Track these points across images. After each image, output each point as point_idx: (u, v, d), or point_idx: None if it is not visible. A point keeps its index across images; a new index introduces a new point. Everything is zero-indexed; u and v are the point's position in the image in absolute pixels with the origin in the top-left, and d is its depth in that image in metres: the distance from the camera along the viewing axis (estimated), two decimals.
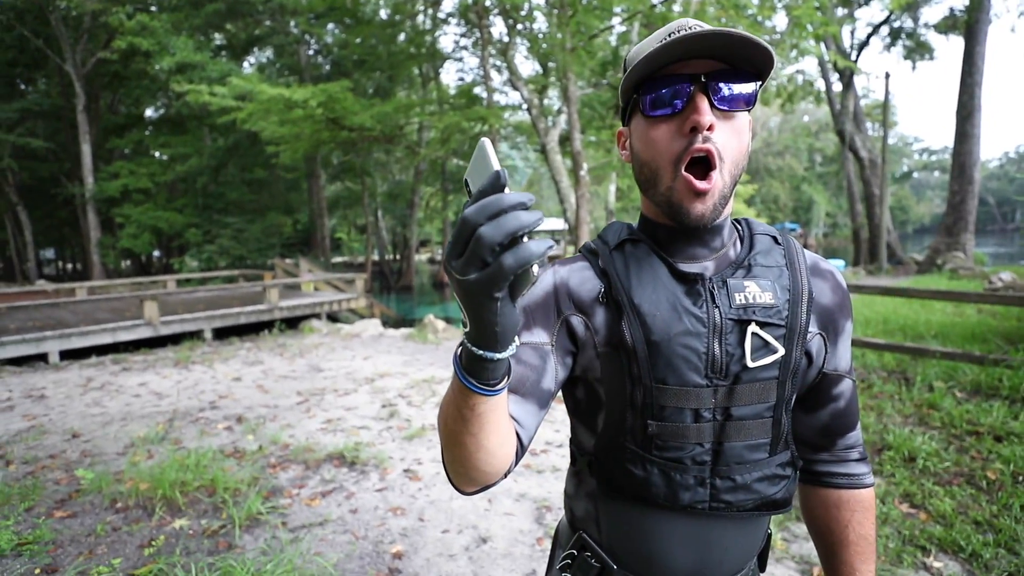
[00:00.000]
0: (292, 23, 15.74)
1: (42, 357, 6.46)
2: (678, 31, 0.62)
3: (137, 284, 12.47)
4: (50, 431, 3.93)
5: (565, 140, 11.90)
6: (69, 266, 28.30)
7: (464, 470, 0.59)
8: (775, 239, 0.72)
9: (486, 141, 0.46)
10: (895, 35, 17.38)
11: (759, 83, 0.62)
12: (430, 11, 15.06)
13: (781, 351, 0.65)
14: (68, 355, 6.73)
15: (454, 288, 0.45)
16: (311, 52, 18.34)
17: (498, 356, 0.49)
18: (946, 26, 15.60)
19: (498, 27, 13.29)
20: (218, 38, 17.64)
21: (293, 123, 8.98)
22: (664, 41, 0.60)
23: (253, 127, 9.32)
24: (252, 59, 20.15)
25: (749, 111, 0.64)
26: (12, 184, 17.00)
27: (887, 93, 14.77)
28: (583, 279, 0.71)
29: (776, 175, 38.24)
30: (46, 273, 25.50)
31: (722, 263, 0.69)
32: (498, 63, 14.87)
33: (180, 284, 13.01)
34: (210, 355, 6.77)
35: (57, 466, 3.26)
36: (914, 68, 18.80)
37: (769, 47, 0.58)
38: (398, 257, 25.67)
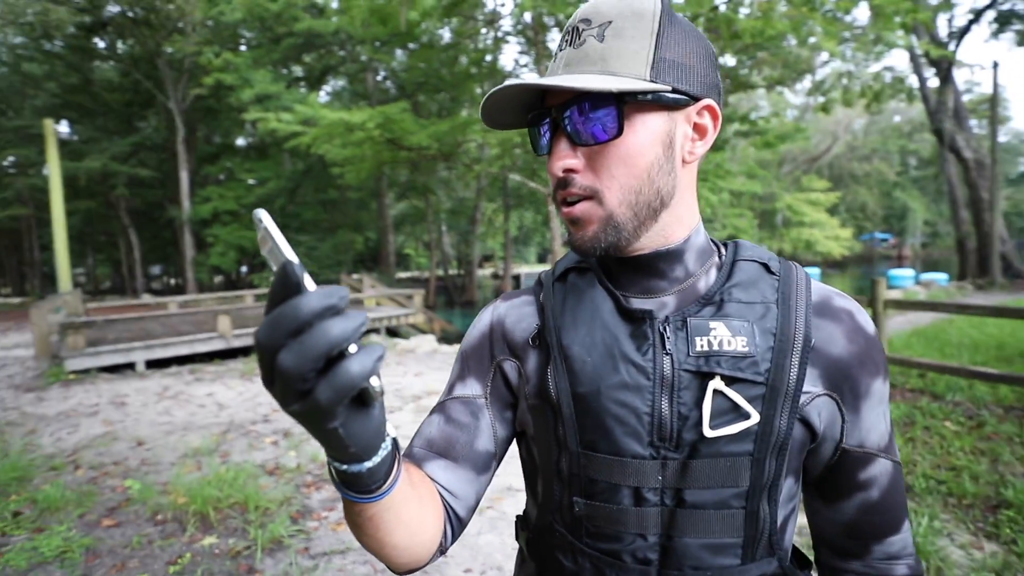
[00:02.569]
0: (360, 51, 16.63)
1: (131, 366, 7.07)
2: (569, 32, 0.52)
3: (222, 299, 13.50)
4: (120, 438, 4.21)
5: None
6: (172, 281, 31.43)
7: (382, 560, 0.52)
8: (767, 267, 0.55)
9: (262, 215, 0.33)
10: (1004, 19, 15.44)
11: (616, 107, 0.49)
12: (490, 32, 15.39)
13: (755, 417, 0.49)
14: (153, 364, 7.33)
15: None
16: (380, 77, 19.33)
17: (366, 466, 0.41)
18: None
19: (556, 42, 13.31)
20: (298, 71, 19.06)
21: (355, 145, 9.39)
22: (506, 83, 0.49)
23: (318, 150, 9.86)
24: (328, 87, 21.60)
25: (616, 139, 0.50)
26: (125, 209, 19.18)
27: (995, 85, 13.13)
28: (520, 317, 0.62)
29: (863, 181, 35.19)
30: (153, 287, 28.47)
31: (687, 297, 0.55)
32: None
33: (258, 299, 13.95)
34: None
35: (117, 473, 3.45)
36: None
37: (568, 85, 0.46)
38: (462, 272, 26.18)
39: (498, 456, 0.62)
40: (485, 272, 31.77)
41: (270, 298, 0.33)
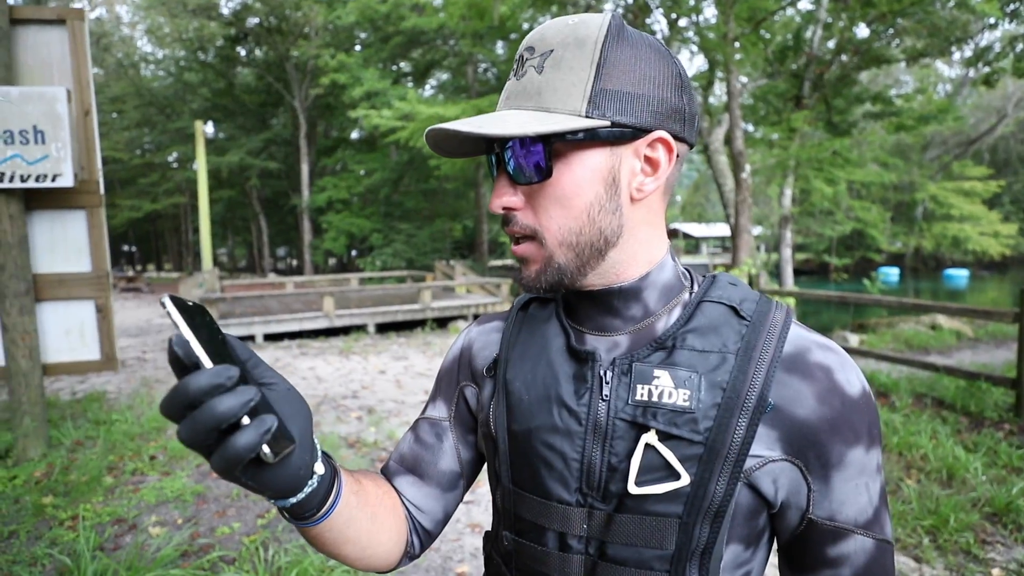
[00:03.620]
0: (461, 45, 17.15)
1: (251, 338, 8.06)
2: (516, 61, 0.50)
3: (332, 280, 14.87)
4: None
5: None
6: (294, 262, 35.17)
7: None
8: (736, 310, 0.49)
9: (166, 300, 0.37)
10: None
11: (544, 148, 0.47)
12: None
13: (685, 479, 0.46)
14: (269, 338, 8.29)
15: None
16: (480, 69, 19.84)
17: (291, 502, 0.44)
18: None
19: (660, 24, 12.67)
20: (404, 67, 20.19)
21: None
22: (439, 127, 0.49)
23: (416, 144, 10.39)
24: (433, 81, 22.63)
25: (545, 180, 0.48)
26: (256, 197, 21.78)
27: None
28: (486, 344, 0.63)
29: None
30: (279, 268, 32.12)
31: (642, 339, 0.52)
32: None
33: (363, 282, 15.13)
34: (369, 347, 7.69)
35: None
36: None
37: (477, 132, 0.45)
38: None
39: (466, 475, 0.65)
40: None
41: (173, 369, 0.37)
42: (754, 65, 12.07)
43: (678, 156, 0.49)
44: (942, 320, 7.58)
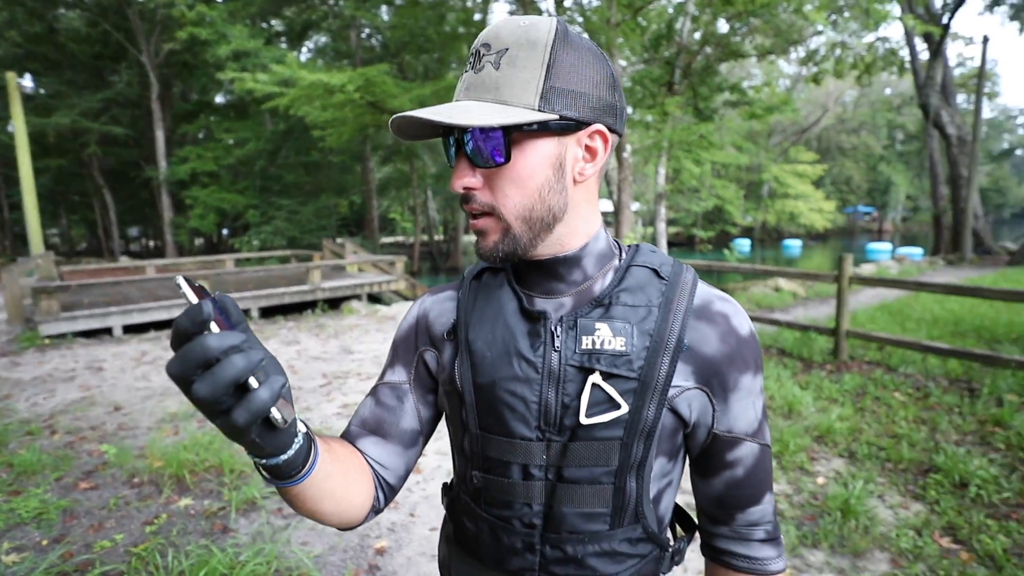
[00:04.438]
0: (343, 6, 15.96)
1: (108, 331, 7.03)
2: (472, 55, 0.56)
3: (203, 263, 13.32)
4: (98, 403, 4.25)
5: None
6: (151, 243, 30.76)
7: (318, 522, 0.62)
8: (657, 272, 0.61)
9: (180, 279, 0.41)
10: None
11: (503, 136, 0.53)
12: None
13: (625, 408, 0.57)
14: (130, 329, 7.28)
15: None
16: (364, 35, 18.62)
17: (282, 459, 0.48)
18: None
19: (547, 3, 12.89)
20: (278, 25, 18.26)
21: (335, 107, 9.15)
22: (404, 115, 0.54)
23: (298, 112, 9.60)
24: (310, 44, 20.76)
25: (506, 164, 0.55)
26: (98, 168, 18.55)
27: (983, 61, 13.11)
28: (442, 311, 0.70)
29: (849, 154, 35.23)
30: (131, 250, 27.89)
31: (583, 299, 0.62)
32: None
33: (240, 263, 13.78)
34: (254, 333, 7.10)
35: (94, 438, 3.51)
36: (1022, 31, 16.48)
37: (452, 122, 0.50)
38: (447, 238, 26.05)
39: (425, 432, 0.72)
40: (470, 238, 31.63)
41: (176, 335, 0.39)
42: (633, 50, 12.85)
43: (612, 145, 0.59)
44: (783, 283, 8.94)
